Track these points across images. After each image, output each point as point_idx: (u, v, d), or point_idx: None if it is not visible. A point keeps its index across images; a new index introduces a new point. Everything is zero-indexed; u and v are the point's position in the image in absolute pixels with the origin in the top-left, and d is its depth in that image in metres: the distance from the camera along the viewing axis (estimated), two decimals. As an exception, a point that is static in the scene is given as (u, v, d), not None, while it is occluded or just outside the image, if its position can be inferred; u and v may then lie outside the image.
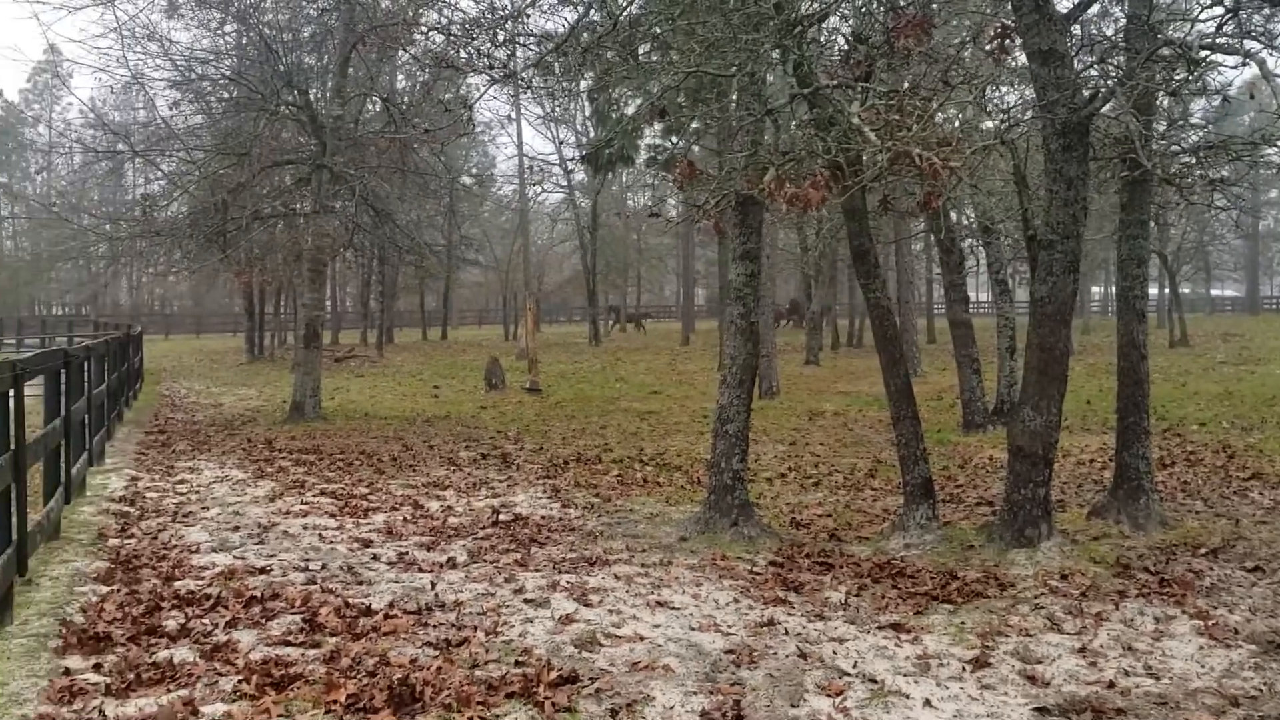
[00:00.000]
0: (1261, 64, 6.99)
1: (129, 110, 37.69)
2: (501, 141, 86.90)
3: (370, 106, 22.16)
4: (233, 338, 49.61)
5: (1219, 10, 7.77)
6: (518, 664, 5.23)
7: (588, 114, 42.45)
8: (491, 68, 10.19)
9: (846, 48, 8.92)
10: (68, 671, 5.06)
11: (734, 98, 11.16)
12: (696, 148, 22.60)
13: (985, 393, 15.34)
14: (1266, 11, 8.38)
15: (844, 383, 23.81)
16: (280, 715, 4.56)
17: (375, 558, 7.62)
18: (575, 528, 8.76)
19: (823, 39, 9.84)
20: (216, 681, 4.94)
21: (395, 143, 18.47)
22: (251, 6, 18.74)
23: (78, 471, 9.71)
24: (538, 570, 7.22)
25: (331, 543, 8.13)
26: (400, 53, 21.42)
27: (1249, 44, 7.62)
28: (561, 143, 48.12)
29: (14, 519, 6.07)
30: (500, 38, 10.40)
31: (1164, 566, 7.18)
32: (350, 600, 6.36)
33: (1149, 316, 9.38)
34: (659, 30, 9.47)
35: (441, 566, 7.34)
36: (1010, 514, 7.67)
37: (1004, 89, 13.08)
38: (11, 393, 6.06)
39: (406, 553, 7.75)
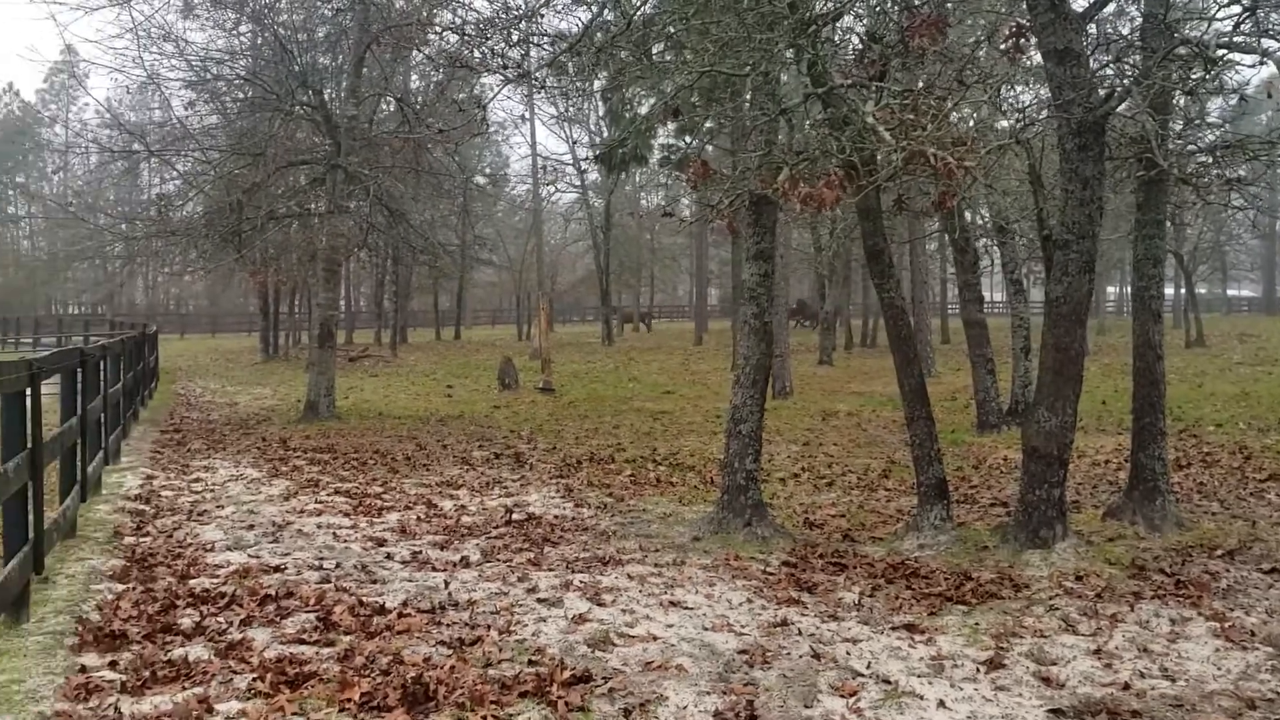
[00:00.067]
0: (1279, 63, 6.95)
1: (145, 110, 37.86)
2: (515, 141, 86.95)
3: (385, 106, 22.21)
4: (248, 337, 49.79)
5: (1236, 9, 7.72)
6: (531, 663, 5.23)
7: (601, 114, 42.54)
8: (505, 68, 10.22)
9: (861, 47, 8.90)
10: (84, 669, 5.09)
11: (748, 97, 11.15)
12: (710, 147, 22.56)
13: (1000, 393, 15.29)
14: (1285, 10, 8.32)
15: (858, 383, 23.77)
16: (295, 713, 4.57)
17: (389, 557, 7.64)
18: (588, 527, 8.76)
19: (837, 38, 9.82)
20: (231, 679, 4.96)
21: (409, 143, 18.51)
22: (267, 7, 18.79)
23: (94, 470, 9.77)
24: (551, 570, 7.22)
25: (345, 541, 8.15)
26: (414, 53, 21.44)
27: (1266, 43, 7.57)
28: (575, 142, 48.27)
29: (31, 517, 6.10)
30: (514, 38, 10.41)
31: (1180, 568, 7.14)
32: (364, 599, 6.38)
33: (1165, 317, 9.34)
34: (673, 30, 9.46)
35: (455, 565, 7.36)
36: (1025, 515, 7.64)
37: (1019, 88, 13.00)
38: (29, 392, 6.10)
39: (420, 552, 7.77)
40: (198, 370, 31.15)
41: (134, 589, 6.57)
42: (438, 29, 18.12)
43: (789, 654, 5.45)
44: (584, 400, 20.46)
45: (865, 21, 9.70)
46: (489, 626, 5.84)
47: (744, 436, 8.61)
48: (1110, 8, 10.00)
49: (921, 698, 4.85)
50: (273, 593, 6.47)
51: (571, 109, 43.80)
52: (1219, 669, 5.27)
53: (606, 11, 10.24)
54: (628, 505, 9.78)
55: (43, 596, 6.35)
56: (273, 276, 28.75)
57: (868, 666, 5.26)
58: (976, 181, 8.00)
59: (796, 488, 10.75)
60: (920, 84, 7.97)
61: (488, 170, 51.59)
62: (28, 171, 71.96)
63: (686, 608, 6.29)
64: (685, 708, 4.70)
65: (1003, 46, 8.17)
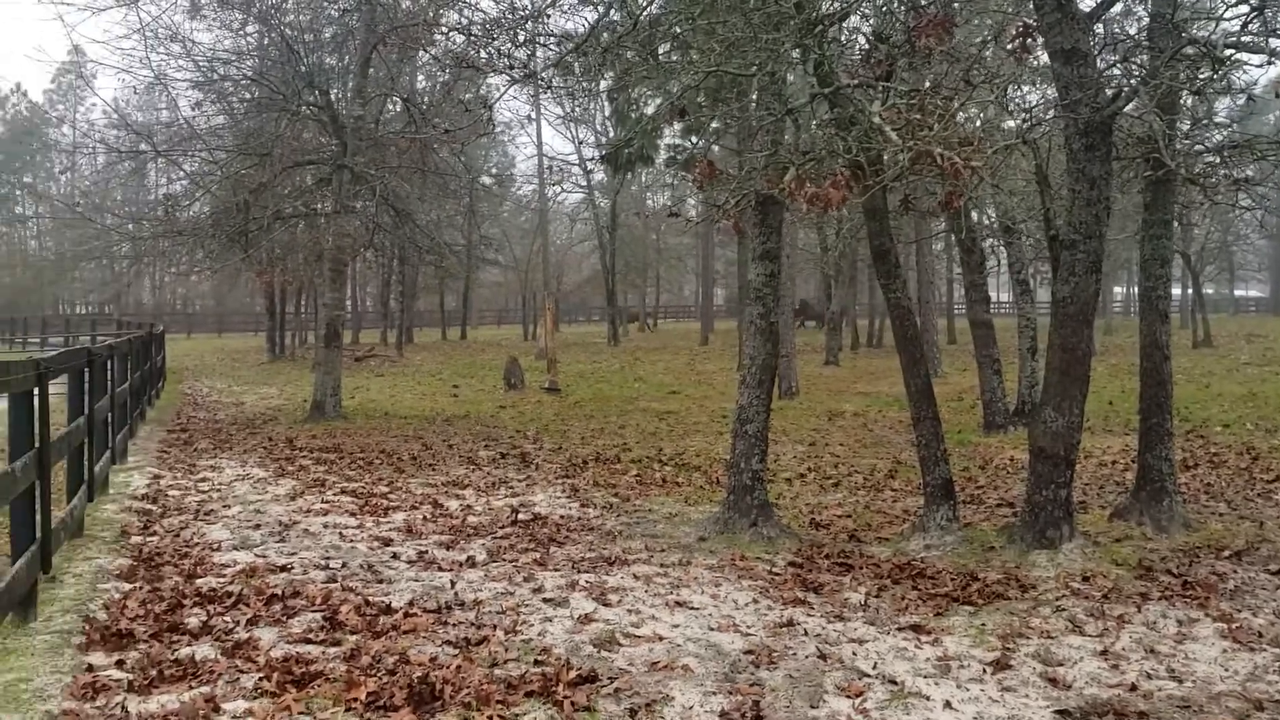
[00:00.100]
0: (1287, 62, 6.93)
1: (152, 111, 37.87)
2: (521, 141, 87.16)
3: (391, 107, 22.21)
4: (254, 337, 49.91)
5: (1244, 8, 7.70)
6: (537, 663, 5.23)
7: (607, 114, 42.49)
8: (511, 68, 10.22)
9: (867, 47, 8.89)
10: (91, 668, 5.10)
11: (754, 97, 11.13)
12: (716, 147, 22.56)
13: (1006, 393, 15.27)
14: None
15: (864, 383, 23.75)
16: (301, 713, 4.58)
17: (395, 556, 7.65)
18: (594, 527, 8.76)
19: (843, 38, 9.81)
20: (238, 679, 4.96)
21: (415, 143, 18.54)
22: (273, 7, 18.82)
23: (101, 469, 9.79)
24: (557, 570, 7.23)
25: (352, 541, 8.16)
26: (421, 53, 21.47)
27: (1274, 42, 7.54)
28: (581, 142, 48.25)
29: (38, 516, 6.11)
30: (520, 38, 10.43)
31: (1187, 569, 7.12)
32: (370, 598, 6.38)
33: (1172, 317, 9.31)
34: (679, 30, 9.46)
35: (461, 565, 7.36)
36: (1031, 515, 7.63)
37: (1026, 88, 13.01)
38: (36, 391, 6.11)
39: (426, 551, 7.78)
40: (204, 370, 31.22)
41: (141, 588, 6.58)
42: (444, 29, 18.16)
43: (795, 654, 5.45)
44: (590, 400, 20.47)
45: (872, 21, 9.69)
46: (495, 626, 5.84)
47: (750, 437, 8.61)
48: (1117, 7, 9.98)
49: (928, 698, 4.85)
50: (279, 592, 6.48)
51: (577, 109, 43.79)
52: (1226, 670, 5.25)
53: (613, 12, 10.24)
54: (633, 505, 9.78)
55: (50, 596, 6.37)
56: (279, 276, 28.79)
57: (874, 667, 5.25)
58: (983, 181, 8.00)
59: (802, 488, 10.74)
60: (927, 84, 7.97)
61: (494, 170, 51.68)
62: (35, 172, 72.14)
63: (692, 608, 6.29)
64: (691, 708, 4.69)
65: (1009, 46, 8.17)
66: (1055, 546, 7.39)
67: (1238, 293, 74.04)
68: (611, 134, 42.45)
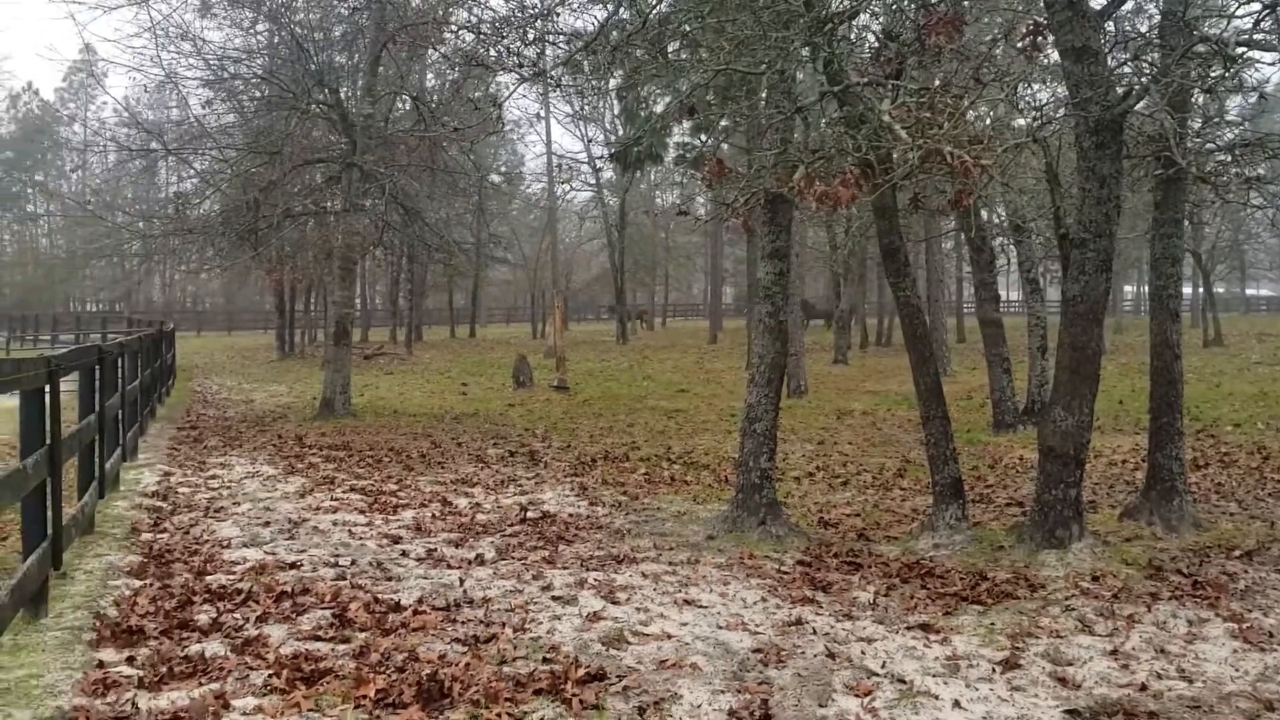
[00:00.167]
0: (1300, 60, 6.90)
1: (162, 109, 38.09)
2: (530, 140, 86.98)
3: (400, 105, 22.27)
4: (264, 335, 50.00)
5: (1256, 6, 7.66)
6: (545, 661, 5.24)
7: (616, 112, 42.49)
8: (521, 66, 10.20)
9: (877, 45, 8.87)
10: (101, 664, 5.12)
11: (763, 95, 11.13)
12: (725, 145, 22.55)
13: (1016, 392, 15.23)
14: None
15: (872, 382, 23.71)
16: (310, 709, 4.59)
17: (404, 554, 7.67)
18: (603, 525, 8.77)
19: (853, 36, 9.80)
20: (247, 675, 4.98)
21: (425, 141, 18.55)
22: (283, 6, 18.86)
23: (111, 466, 9.83)
24: (565, 568, 7.23)
25: (361, 539, 8.18)
26: (430, 51, 21.50)
27: (1287, 40, 7.52)
28: (590, 141, 48.28)
29: (50, 513, 6.14)
30: (530, 36, 10.41)
31: (1197, 569, 7.10)
32: (379, 596, 6.40)
33: (1183, 316, 9.28)
34: (688, 28, 9.45)
35: (470, 563, 7.37)
36: (1041, 514, 7.61)
37: (1036, 86, 12.94)
38: (47, 388, 6.13)
39: (435, 549, 7.79)
40: (214, 367, 31.31)
41: (151, 585, 6.61)
42: (453, 27, 18.16)
43: (803, 653, 5.44)
44: (598, 398, 20.47)
45: (881, 19, 9.68)
46: (504, 624, 5.85)
47: (759, 435, 8.60)
48: (1128, 5, 9.95)
49: (937, 698, 4.84)
50: (289, 589, 6.50)
51: (587, 107, 43.80)
52: (1237, 670, 5.23)
53: (622, 10, 10.24)
54: (642, 504, 9.78)
55: (61, 592, 6.40)
56: (289, 274, 28.89)
57: (883, 666, 5.25)
58: (993, 180, 7.98)
59: (811, 486, 10.73)
60: (937, 82, 7.94)
61: (503, 168, 51.68)
62: (46, 170, 72.43)
63: (701, 606, 6.29)
64: (699, 706, 4.70)
65: (1020, 44, 8.14)
66: (1065, 546, 7.37)
67: (1249, 291, 73.76)
68: (621, 132, 42.43)
